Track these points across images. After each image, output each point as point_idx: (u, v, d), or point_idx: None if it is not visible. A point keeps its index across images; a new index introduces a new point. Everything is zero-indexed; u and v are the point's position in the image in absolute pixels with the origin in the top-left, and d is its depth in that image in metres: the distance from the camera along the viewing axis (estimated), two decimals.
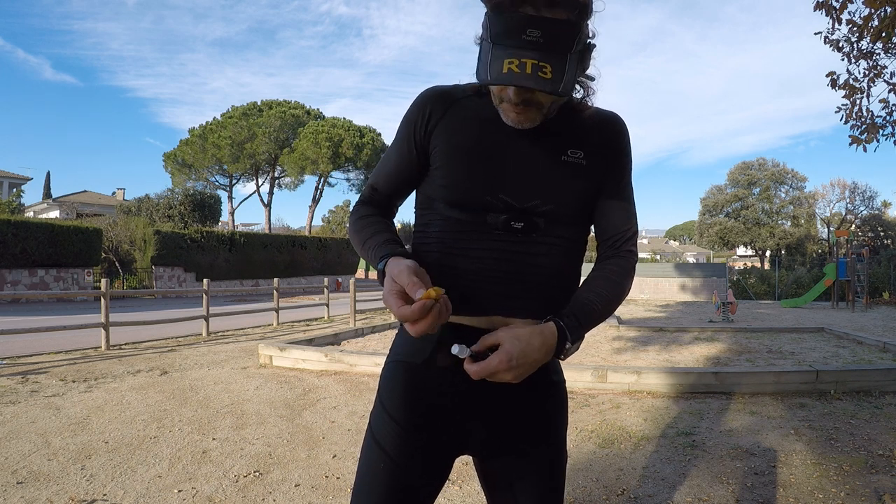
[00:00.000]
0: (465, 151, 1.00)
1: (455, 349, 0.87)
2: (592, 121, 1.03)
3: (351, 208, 1.14)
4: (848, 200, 39.61)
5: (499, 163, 0.99)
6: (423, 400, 1.00)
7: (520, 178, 0.98)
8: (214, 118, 35.75)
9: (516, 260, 0.98)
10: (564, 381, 1.10)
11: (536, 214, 0.98)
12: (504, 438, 1.02)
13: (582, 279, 1.06)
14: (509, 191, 0.98)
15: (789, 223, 39.79)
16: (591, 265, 1.09)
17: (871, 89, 5.83)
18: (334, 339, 8.09)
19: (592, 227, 1.10)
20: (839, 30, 5.75)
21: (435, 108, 1.03)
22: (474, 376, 0.87)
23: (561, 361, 1.01)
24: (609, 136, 1.04)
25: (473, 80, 1.00)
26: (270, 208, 38.43)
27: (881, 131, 5.92)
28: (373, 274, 42.40)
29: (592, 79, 1.01)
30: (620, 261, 1.05)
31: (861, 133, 5.83)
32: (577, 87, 1.02)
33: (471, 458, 1.08)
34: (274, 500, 2.69)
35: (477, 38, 0.94)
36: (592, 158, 1.02)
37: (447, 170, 1.00)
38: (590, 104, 1.03)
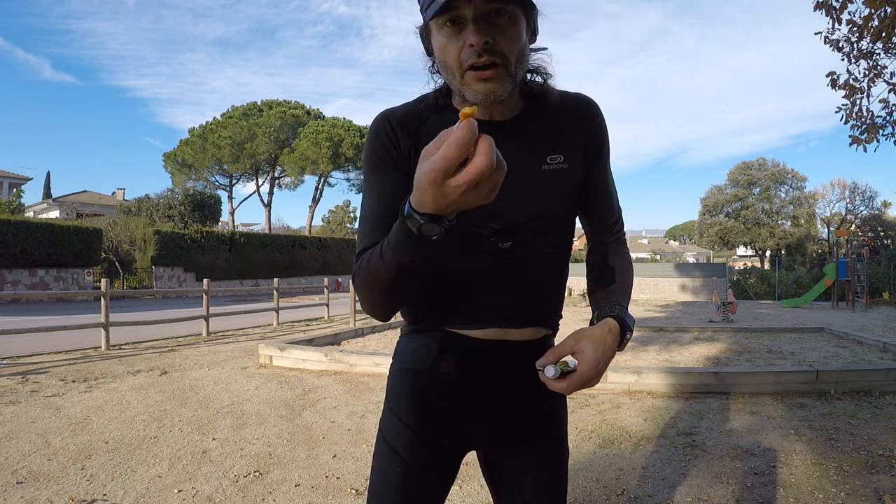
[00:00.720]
0: None
1: (549, 372, 0.85)
2: (564, 112, 1.01)
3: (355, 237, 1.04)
4: (848, 200, 39.66)
5: None
6: (429, 404, 1.01)
7: (504, 201, 0.95)
8: (214, 118, 35.78)
9: (506, 275, 0.98)
10: None
11: (523, 231, 0.97)
12: (508, 436, 1.04)
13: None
14: (496, 218, 0.96)
15: (789, 223, 39.80)
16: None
17: (871, 89, 5.83)
18: (334, 339, 8.09)
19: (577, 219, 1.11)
20: (839, 30, 5.75)
21: (399, 130, 0.96)
22: (567, 391, 0.86)
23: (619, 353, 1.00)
24: (584, 126, 1.02)
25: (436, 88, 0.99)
26: (270, 208, 38.45)
27: (881, 131, 5.92)
28: None
29: (545, 48, 0.99)
30: (620, 243, 1.10)
31: (861, 133, 5.83)
32: (532, 74, 0.99)
33: (471, 458, 1.09)
34: (274, 500, 2.70)
35: (416, 30, 0.96)
36: (573, 159, 1.00)
37: None
38: (553, 88, 1.00)
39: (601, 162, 1.05)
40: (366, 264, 0.85)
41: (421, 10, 0.89)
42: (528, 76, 1.00)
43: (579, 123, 1.02)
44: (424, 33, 0.96)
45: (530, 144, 0.98)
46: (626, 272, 1.05)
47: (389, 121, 0.96)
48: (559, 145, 0.99)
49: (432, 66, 0.97)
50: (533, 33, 0.95)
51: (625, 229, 1.14)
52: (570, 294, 18.40)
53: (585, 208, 1.08)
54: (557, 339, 0.99)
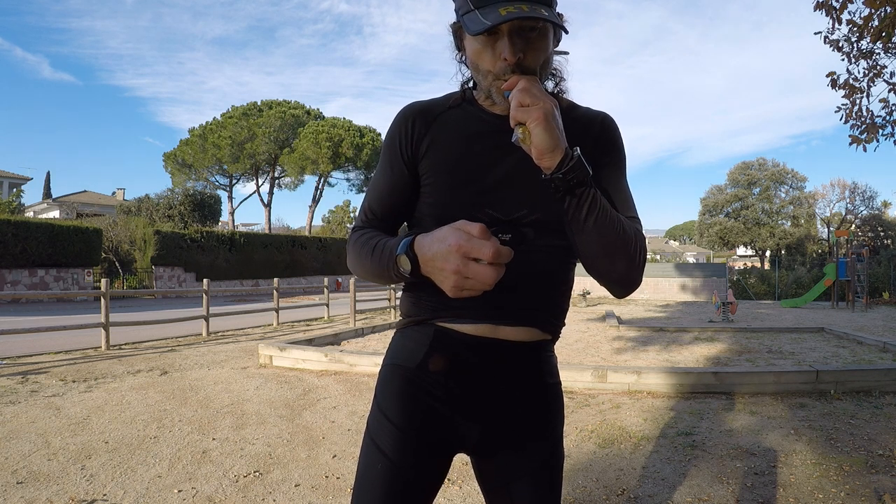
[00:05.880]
0: (449, 169, 0.99)
1: (514, 135, 0.83)
2: (580, 122, 1.02)
3: (350, 231, 1.09)
4: (848, 200, 39.65)
5: (483, 177, 0.98)
6: (419, 402, 1.00)
7: (505, 190, 0.97)
8: (214, 118, 35.81)
9: (505, 270, 0.97)
10: (560, 384, 1.10)
11: (524, 225, 0.97)
12: (500, 440, 1.02)
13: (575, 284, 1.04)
14: (495, 205, 0.97)
15: (789, 223, 39.76)
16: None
17: (871, 89, 5.82)
18: (334, 339, 8.09)
19: None
20: (839, 30, 5.75)
21: (418, 122, 1.03)
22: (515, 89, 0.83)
23: (557, 188, 0.87)
24: (595, 132, 1.03)
25: (456, 89, 1.04)
26: (270, 208, 38.45)
27: (881, 131, 5.91)
28: None
29: (566, 52, 1.02)
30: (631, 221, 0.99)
31: (861, 133, 5.82)
32: (550, 75, 1.03)
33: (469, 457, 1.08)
34: (274, 500, 2.70)
35: (449, 27, 1.00)
36: None
37: (433, 188, 1.00)
38: (566, 96, 1.04)
39: (612, 166, 1.03)
40: (356, 240, 1.03)
41: (455, 11, 0.94)
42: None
43: (590, 129, 1.03)
44: (457, 31, 1.00)
45: None
46: (625, 222, 0.92)
47: (412, 112, 1.04)
48: (569, 144, 1.00)
49: (461, 59, 1.02)
50: (557, 39, 1.00)
51: None
52: None
53: None
54: (559, 346, 0.99)
